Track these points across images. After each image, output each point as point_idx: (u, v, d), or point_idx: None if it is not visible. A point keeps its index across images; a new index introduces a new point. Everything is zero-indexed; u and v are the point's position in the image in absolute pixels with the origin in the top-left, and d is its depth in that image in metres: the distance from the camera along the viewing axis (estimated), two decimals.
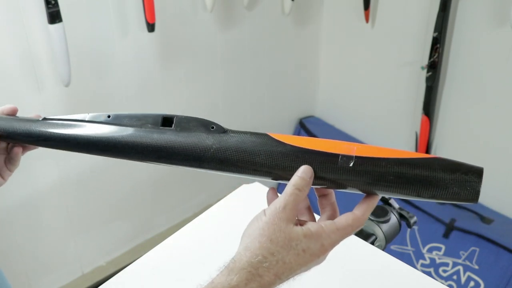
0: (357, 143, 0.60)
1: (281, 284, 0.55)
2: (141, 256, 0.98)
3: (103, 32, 1.68)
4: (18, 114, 0.75)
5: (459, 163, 0.56)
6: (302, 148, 0.59)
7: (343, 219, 0.58)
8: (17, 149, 0.74)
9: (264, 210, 0.57)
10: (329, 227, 0.56)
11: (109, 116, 0.67)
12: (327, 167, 0.58)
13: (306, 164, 0.58)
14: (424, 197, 0.57)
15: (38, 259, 1.85)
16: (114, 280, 0.94)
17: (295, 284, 0.78)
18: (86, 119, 0.68)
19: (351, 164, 0.57)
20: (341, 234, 0.57)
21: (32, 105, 1.62)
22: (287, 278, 0.55)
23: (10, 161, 0.75)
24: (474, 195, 0.55)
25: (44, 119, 0.71)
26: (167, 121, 0.65)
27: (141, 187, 2.03)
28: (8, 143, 0.74)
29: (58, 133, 0.69)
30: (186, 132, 0.63)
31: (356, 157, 0.57)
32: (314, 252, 0.55)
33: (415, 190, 0.56)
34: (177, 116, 0.64)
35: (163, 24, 1.78)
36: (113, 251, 2.05)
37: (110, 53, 1.73)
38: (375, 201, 0.60)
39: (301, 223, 0.57)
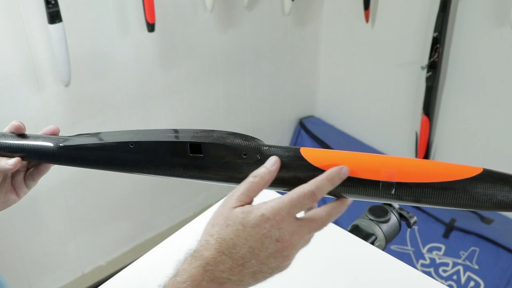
0: (397, 158, 0.57)
1: (238, 260, 0.54)
2: (141, 256, 0.98)
3: (103, 32, 1.68)
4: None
5: (501, 177, 0.55)
6: None
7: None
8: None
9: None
10: (272, 200, 0.55)
11: (132, 145, 0.66)
12: (368, 194, 0.58)
13: (346, 193, 0.58)
14: (465, 209, 0.57)
15: (38, 259, 1.85)
16: (114, 280, 0.94)
17: (294, 282, 0.78)
18: (108, 142, 0.67)
19: (392, 192, 0.56)
20: (283, 201, 0.54)
21: (32, 105, 1.62)
22: (238, 253, 0.54)
23: (32, 176, 0.74)
24: None
25: (64, 146, 0.70)
26: (194, 147, 0.63)
27: (141, 187, 2.03)
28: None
29: (90, 159, 0.70)
30: (217, 163, 0.62)
31: (397, 183, 0.56)
32: (255, 223, 0.54)
33: (457, 206, 0.56)
34: (204, 143, 0.62)
35: (163, 24, 1.78)
36: (113, 251, 2.05)
37: (110, 53, 1.73)
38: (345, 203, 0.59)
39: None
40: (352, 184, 0.57)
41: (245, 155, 0.61)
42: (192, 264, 0.54)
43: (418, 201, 0.57)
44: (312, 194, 0.55)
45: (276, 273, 0.56)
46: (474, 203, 0.55)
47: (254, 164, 0.60)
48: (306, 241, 0.57)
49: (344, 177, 0.56)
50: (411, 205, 0.58)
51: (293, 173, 0.59)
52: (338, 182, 0.56)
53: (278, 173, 0.59)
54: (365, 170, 0.57)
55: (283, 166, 0.59)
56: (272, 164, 0.58)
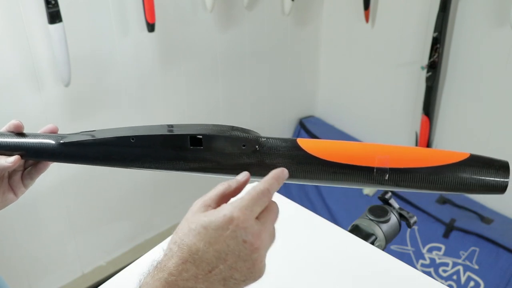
0: (390, 146, 0.59)
1: (204, 267, 0.51)
2: (141, 256, 0.98)
3: (103, 32, 1.68)
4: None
5: (487, 161, 0.58)
6: (337, 163, 0.59)
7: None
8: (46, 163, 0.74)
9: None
10: (234, 201, 0.53)
11: (133, 139, 0.66)
12: (363, 181, 0.59)
13: (343, 179, 0.59)
14: (455, 192, 0.59)
15: (38, 259, 1.85)
16: (114, 280, 0.94)
17: (294, 282, 0.78)
18: (109, 136, 0.67)
19: (386, 177, 0.58)
20: (245, 199, 0.52)
21: (32, 105, 1.62)
22: (202, 258, 0.51)
23: (30, 175, 0.74)
24: (502, 187, 0.58)
25: (64, 143, 0.70)
26: (194, 140, 0.63)
27: (141, 187, 2.03)
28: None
29: (91, 156, 0.70)
30: (217, 155, 0.62)
31: (390, 169, 0.58)
32: (218, 225, 0.51)
33: (447, 189, 0.58)
34: (204, 135, 0.62)
35: (163, 24, 1.78)
36: (113, 251, 2.05)
37: (110, 53, 1.73)
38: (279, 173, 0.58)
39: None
40: (348, 171, 0.59)
41: (244, 146, 0.62)
42: (154, 277, 0.51)
43: (411, 186, 0.59)
44: (267, 191, 0.54)
45: (251, 280, 0.52)
46: (463, 186, 0.58)
47: (252, 155, 0.61)
48: (272, 237, 0.55)
49: (286, 177, 0.57)
50: (405, 191, 0.60)
51: (291, 162, 0.60)
52: (282, 181, 0.56)
53: (276, 164, 0.60)
54: (360, 157, 0.59)
55: (282, 156, 0.61)
56: (243, 176, 0.58)
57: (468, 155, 0.58)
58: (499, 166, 0.57)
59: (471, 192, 0.58)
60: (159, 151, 0.65)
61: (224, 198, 0.56)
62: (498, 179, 0.57)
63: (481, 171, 0.57)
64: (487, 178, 0.57)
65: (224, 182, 0.57)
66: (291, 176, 0.61)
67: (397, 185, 0.59)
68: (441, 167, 0.57)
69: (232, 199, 0.55)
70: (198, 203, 0.55)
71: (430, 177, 0.57)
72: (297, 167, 0.60)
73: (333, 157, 0.59)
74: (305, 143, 0.61)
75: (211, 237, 0.51)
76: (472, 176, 0.57)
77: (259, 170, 0.61)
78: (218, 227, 0.51)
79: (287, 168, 0.59)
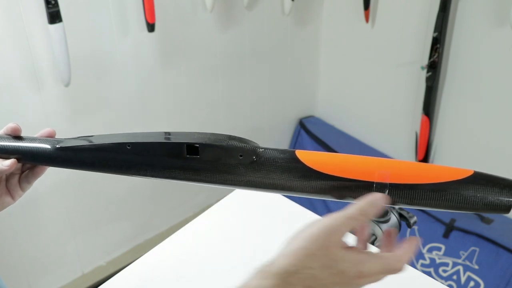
0: (391, 161, 0.58)
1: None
2: (141, 256, 0.98)
3: (103, 32, 1.68)
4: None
5: (491, 179, 0.56)
6: (335, 176, 0.58)
7: (386, 253, 0.57)
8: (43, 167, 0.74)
9: (319, 221, 0.55)
10: (372, 255, 0.55)
11: (129, 146, 0.65)
12: (361, 196, 0.58)
13: (340, 193, 0.59)
14: (457, 211, 0.58)
15: (38, 259, 1.85)
16: (114, 280, 0.94)
17: None
18: (105, 142, 0.67)
19: (386, 193, 0.57)
20: (382, 263, 0.55)
21: (32, 105, 1.62)
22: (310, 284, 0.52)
23: (27, 179, 0.74)
24: (506, 206, 0.56)
25: (61, 148, 0.70)
26: (191, 148, 0.63)
27: (141, 187, 2.03)
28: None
29: (88, 162, 0.70)
30: (214, 164, 0.62)
31: (390, 185, 0.56)
32: (350, 275, 0.53)
33: (449, 207, 0.57)
34: (201, 144, 0.62)
35: (163, 24, 1.78)
36: (113, 251, 2.05)
37: (110, 53, 1.73)
38: (417, 242, 0.58)
39: (348, 247, 0.55)
40: (347, 186, 0.58)
41: (241, 156, 0.61)
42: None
43: (411, 203, 0.57)
44: (406, 262, 0.58)
45: None
46: (466, 204, 0.56)
47: (249, 165, 0.61)
48: None
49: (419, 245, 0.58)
50: (406, 207, 0.59)
51: (288, 175, 0.59)
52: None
53: (274, 175, 0.60)
54: (359, 172, 0.57)
55: (280, 168, 0.60)
56: (382, 203, 0.56)
57: (471, 172, 0.56)
58: (503, 185, 0.55)
59: (474, 210, 0.56)
60: (155, 158, 0.65)
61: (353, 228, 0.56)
62: (502, 199, 0.55)
63: (484, 189, 0.55)
64: (490, 197, 0.55)
65: (358, 215, 0.55)
66: (288, 189, 0.60)
67: (397, 201, 0.57)
68: (443, 184, 0.56)
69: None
70: (337, 237, 0.54)
71: (431, 194, 0.56)
72: (294, 180, 0.59)
73: (332, 171, 0.58)
74: (304, 155, 0.60)
75: (339, 281, 0.53)
76: (475, 195, 0.55)
77: (256, 181, 0.61)
78: (350, 277, 0.53)
79: (284, 180, 0.59)
